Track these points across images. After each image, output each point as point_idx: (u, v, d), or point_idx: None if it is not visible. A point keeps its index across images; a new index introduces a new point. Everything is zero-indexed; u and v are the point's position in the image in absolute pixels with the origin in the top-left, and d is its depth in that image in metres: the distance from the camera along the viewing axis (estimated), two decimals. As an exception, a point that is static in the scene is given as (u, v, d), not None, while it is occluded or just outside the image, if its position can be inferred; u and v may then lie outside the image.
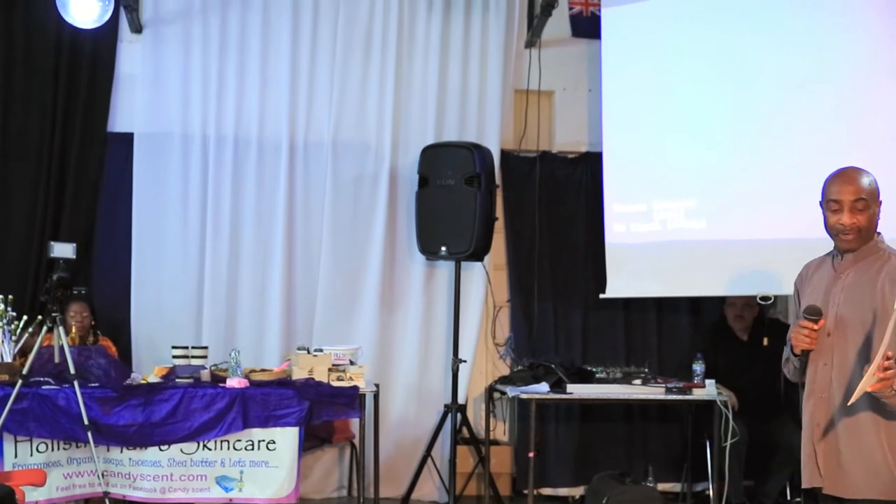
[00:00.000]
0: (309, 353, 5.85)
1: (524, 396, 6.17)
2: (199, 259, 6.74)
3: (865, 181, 3.57)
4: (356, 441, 6.28)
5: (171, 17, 6.81)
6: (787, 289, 6.40)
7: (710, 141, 6.49)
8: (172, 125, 6.77)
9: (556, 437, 7.04)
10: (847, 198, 3.54)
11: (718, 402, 6.06)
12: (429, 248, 6.74)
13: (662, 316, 7.18)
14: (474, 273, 6.93)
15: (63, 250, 5.29)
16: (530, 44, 7.18)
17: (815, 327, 3.50)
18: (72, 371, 5.14)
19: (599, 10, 7.02)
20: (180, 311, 6.71)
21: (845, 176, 3.61)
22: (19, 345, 5.52)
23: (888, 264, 3.55)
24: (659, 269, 6.68)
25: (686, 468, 6.73)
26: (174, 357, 5.85)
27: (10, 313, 5.52)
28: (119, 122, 6.81)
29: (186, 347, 5.94)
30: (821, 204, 3.65)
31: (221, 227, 6.75)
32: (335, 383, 5.70)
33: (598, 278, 6.89)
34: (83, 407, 5.14)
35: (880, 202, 3.59)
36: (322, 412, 5.61)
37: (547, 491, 6.97)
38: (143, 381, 5.66)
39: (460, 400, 6.71)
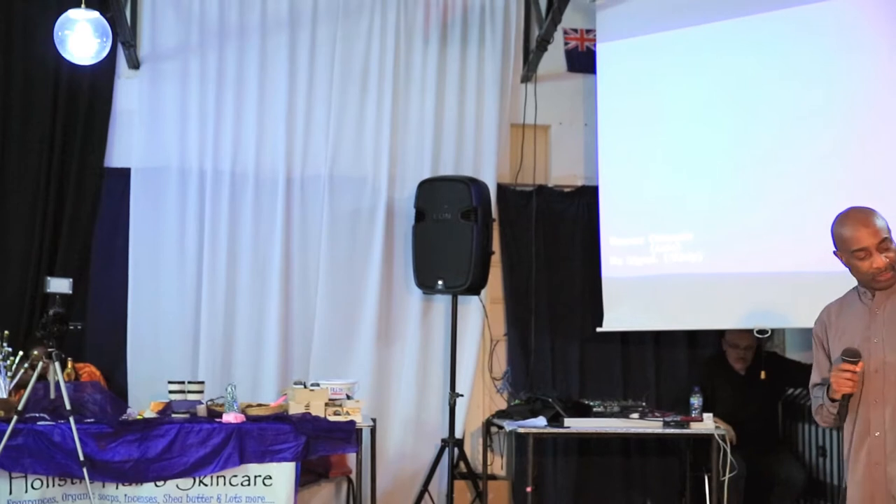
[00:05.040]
0: (305, 387, 5.84)
1: (521, 431, 6.15)
2: (196, 293, 6.74)
3: (878, 219, 3.55)
4: (353, 476, 6.27)
5: (168, 52, 6.86)
6: (784, 322, 6.48)
7: (706, 174, 6.50)
8: (169, 160, 6.80)
9: (554, 472, 7.02)
10: (872, 241, 3.51)
11: (716, 436, 6.04)
12: (425, 282, 6.74)
13: (660, 349, 7.18)
14: (471, 307, 6.93)
15: (59, 285, 5.27)
16: (526, 78, 7.22)
17: (857, 369, 3.44)
18: (68, 407, 5.12)
19: (594, 46, 7.06)
20: (177, 346, 6.70)
21: (858, 220, 3.57)
22: (15, 380, 5.50)
23: None
24: (656, 303, 6.68)
25: (684, 502, 6.70)
26: (170, 392, 5.82)
27: (6, 348, 5.51)
28: (116, 157, 6.84)
29: (183, 382, 5.91)
30: (836, 254, 3.63)
31: (218, 262, 6.75)
32: (332, 418, 5.68)
33: (595, 312, 6.89)
34: (79, 443, 5.11)
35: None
36: (319, 447, 5.58)
37: (545, 526, 6.95)
38: (139, 417, 5.64)
39: (457, 434, 6.69)
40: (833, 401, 3.55)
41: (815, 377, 3.70)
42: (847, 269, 3.67)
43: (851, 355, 3.46)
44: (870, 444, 3.52)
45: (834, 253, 3.64)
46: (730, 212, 6.39)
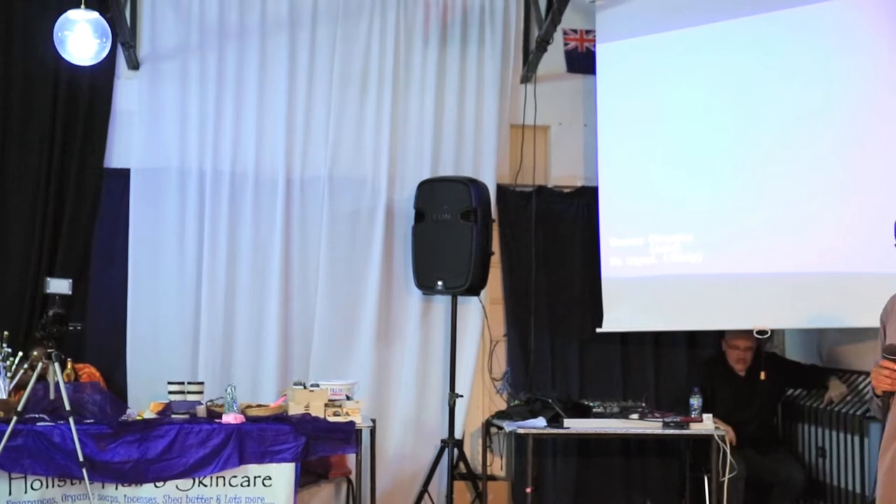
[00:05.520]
0: (305, 388, 5.84)
1: (521, 431, 6.15)
2: (196, 294, 6.73)
3: None
4: (353, 477, 6.26)
5: (168, 53, 6.85)
6: (784, 323, 6.49)
7: (706, 175, 6.50)
8: (169, 161, 6.79)
9: (554, 472, 7.02)
10: None
11: (716, 437, 6.04)
12: (425, 283, 6.74)
13: (659, 350, 7.18)
14: (471, 307, 6.93)
15: (59, 286, 5.27)
16: (526, 79, 7.21)
17: (895, 367, 3.32)
18: (67, 407, 5.12)
19: (594, 46, 7.06)
20: (176, 347, 6.70)
21: None
22: (15, 381, 5.50)
23: None
24: (655, 303, 6.68)
25: (684, 503, 6.70)
26: (170, 393, 5.83)
27: (6, 349, 5.51)
28: (116, 157, 6.83)
29: (182, 383, 5.92)
30: None
31: (218, 263, 6.75)
32: (332, 418, 5.68)
33: (595, 312, 6.88)
34: (78, 443, 5.11)
35: None
36: (318, 448, 5.58)
37: (545, 526, 6.94)
38: (138, 417, 5.64)
39: (457, 435, 6.69)
40: (877, 396, 3.42)
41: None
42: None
43: (892, 352, 3.33)
44: (895, 451, 3.37)
45: (895, 245, 3.57)
46: (729, 212, 6.39)
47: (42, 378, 5.22)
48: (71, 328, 5.48)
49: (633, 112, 6.78)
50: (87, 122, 6.75)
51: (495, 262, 6.94)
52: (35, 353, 5.51)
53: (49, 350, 5.15)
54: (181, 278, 6.75)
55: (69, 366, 5.94)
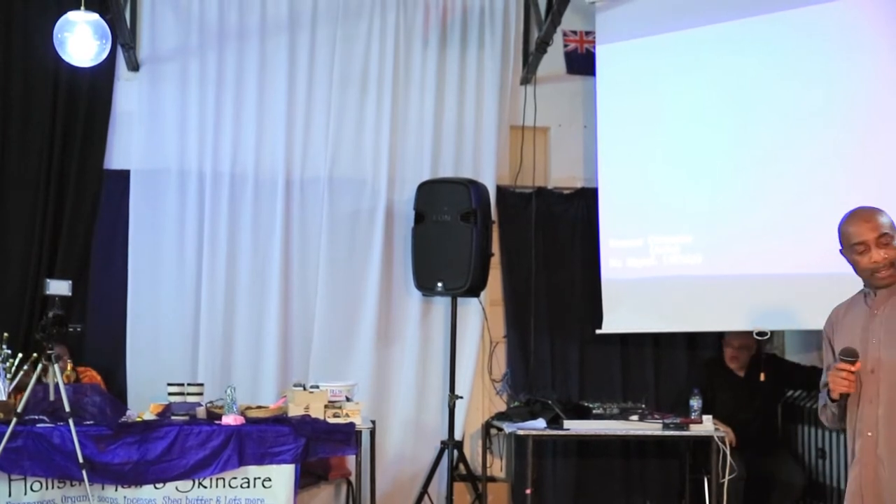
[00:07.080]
0: (305, 389, 5.83)
1: (521, 433, 6.15)
2: (196, 295, 6.73)
3: (882, 217, 3.59)
4: (353, 478, 6.26)
5: (167, 54, 6.85)
6: (784, 324, 6.48)
7: (706, 176, 6.50)
8: (169, 162, 6.80)
9: (554, 474, 7.02)
10: (871, 236, 3.55)
11: (716, 438, 6.03)
12: (425, 284, 6.74)
13: (659, 351, 7.17)
14: (471, 309, 6.93)
15: (59, 287, 5.27)
16: (525, 80, 7.21)
17: (853, 369, 3.47)
18: (67, 409, 5.12)
19: (594, 48, 7.06)
20: (176, 348, 6.70)
21: (860, 216, 3.62)
22: (14, 382, 5.50)
23: None
24: (655, 305, 6.68)
25: (684, 504, 6.71)
26: (170, 394, 5.83)
27: (6, 350, 5.51)
28: (116, 159, 6.83)
29: (182, 384, 5.92)
30: (841, 252, 3.66)
31: (218, 264, 6.75)
32: (331, 420, 5.68)
33: (595, 313, 6.88)
34: (78, 445, 5.11)
35: None
36: (318, 449, 5.58)
37: (544, 528, 6.94)
38: (138, 419, 5.64)
39: (457, 436, 6.69)
40: (833, 401, 3.57)
41: (824, 377, 3.70)
42: (849, 272, 3.68)
43: (848, 355, 3.48)
44: (862, 443, 3.54)
45: (840, 251, 3.66)
46: (729, 213, 6.38)
47: (42, 379, 5.21)
48: (71, 329, 5.48)
49: (633, 113, 6.78)
50: (86, 124, 6.75)
51: (495, 263, 6.94)
52: (35, 354, 5.50)
53: (49, 351, 5.15)
54: (181, 279, 6.75)
55: (69, 367, 5.94)
